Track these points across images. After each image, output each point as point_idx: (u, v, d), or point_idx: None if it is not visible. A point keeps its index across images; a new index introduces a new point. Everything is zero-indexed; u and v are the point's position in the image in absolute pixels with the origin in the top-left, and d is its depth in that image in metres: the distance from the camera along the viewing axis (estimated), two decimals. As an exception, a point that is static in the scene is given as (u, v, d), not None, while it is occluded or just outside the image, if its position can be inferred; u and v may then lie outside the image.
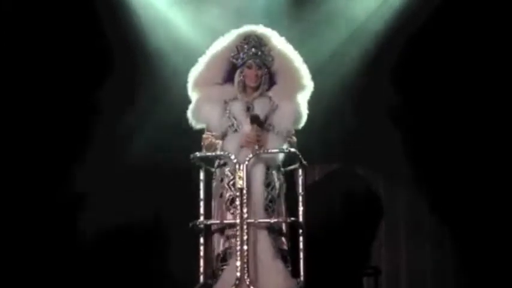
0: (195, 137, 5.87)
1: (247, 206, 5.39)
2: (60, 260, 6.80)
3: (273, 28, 5.80)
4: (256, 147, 5.47)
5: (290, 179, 5.69)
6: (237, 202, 5.42)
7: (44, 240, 6.83)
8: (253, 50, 5.67)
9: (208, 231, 5.63)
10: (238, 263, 5.32)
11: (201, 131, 5.77)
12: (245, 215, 5.37)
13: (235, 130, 5.63)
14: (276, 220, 5.47)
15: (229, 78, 5.75)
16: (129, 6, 7.01)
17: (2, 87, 6.91)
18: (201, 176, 5.66)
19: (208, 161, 5.69)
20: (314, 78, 5.77)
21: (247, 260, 5.32)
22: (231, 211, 5.52)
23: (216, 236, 5.60)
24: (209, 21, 6.90)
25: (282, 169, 5.65)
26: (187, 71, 5.86)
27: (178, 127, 6.35)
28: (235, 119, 5.64)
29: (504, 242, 6.63)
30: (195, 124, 5.76)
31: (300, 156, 5.56)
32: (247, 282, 5.29)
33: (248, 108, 5.65)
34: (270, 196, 5.53)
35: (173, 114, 6.54)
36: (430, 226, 6.92)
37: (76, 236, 6.86)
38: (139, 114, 6.95)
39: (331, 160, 7.03)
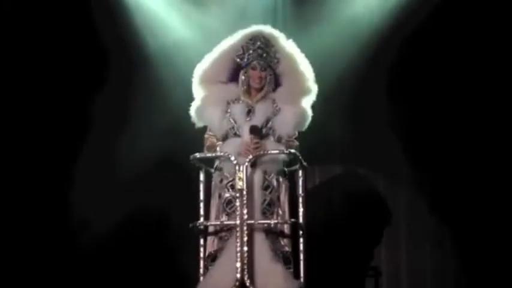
0: (194, 137, 5.87)
1: (246, 207, 5.38)
2: (61, 260, 6.80)
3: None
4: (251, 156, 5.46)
5: (290, 180, 5.68)
6: (237, 203, 5.40)
7: (44, 241, 6.84)
8: (258, 51, 5.65)
9: (207, 232, 5.62)
10: (238, 264, 5.31)
11: (202, 130, 5.77)
12: (245, 216, 5.36)
13: (235, 133, 5.63)
14: (275, 222, 5.45)
15: (233, 77, 5.73)
16: (126, 8, 7.01)
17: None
18: (201, 177, 5.66)
19: (208, 162, 5.68)
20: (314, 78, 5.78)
21: (242, 261, 5.31)
22: (226, 212, 5.52)
23: (210, 236, 5.59)
24: (209, 21, 6.90)
25: (286, 170, 5.63)
26: (186, 72, 5.85)
27: (178, 127, 6.36)
28: (236, 122, 5.63)
29: (504, 242, 6.63)
30: (197, 122, 5.75)
31: (300, 157, 5.55)
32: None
33: (249, 111, 5.64)
34: (268, 199, 5.52)
35: (173, 114, 6.55)
36: (430, 226, 6.92)
37: (76, 237, 6.86)
38: (139, 114, 6.95)
39: (331, 161, 7.03)
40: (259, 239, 5.43)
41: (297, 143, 5.67)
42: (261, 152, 5.47)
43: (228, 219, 5.48)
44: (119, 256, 6.88)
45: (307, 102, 5.70)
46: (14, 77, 6.93)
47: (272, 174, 5.55)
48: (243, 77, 5.69)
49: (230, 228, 5.47)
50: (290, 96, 5.66)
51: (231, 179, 5.52)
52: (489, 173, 6.72)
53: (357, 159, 6.95)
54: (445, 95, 6.81)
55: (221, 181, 5.60)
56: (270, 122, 5.63)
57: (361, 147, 6.83)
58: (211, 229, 5.58)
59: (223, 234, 5.52)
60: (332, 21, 6.94)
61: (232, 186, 5.50)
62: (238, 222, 5.38)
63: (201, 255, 5.61)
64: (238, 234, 5.35)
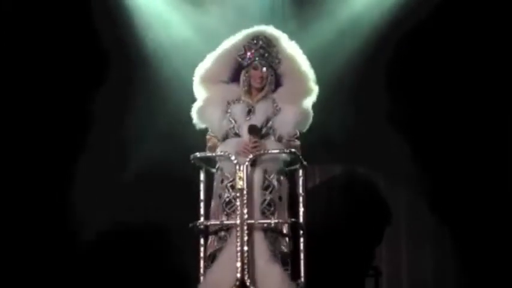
0: (194, 138, 5.87)
1: (246, 206, 5.38)
2: (61, 261, 6.80)
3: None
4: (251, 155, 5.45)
5: (290, 179, 5.68)
6: (237, 203, 5.40)
7: (45, 241, 6.84)
8: (260, 50, 5.65)
9: (208, 232, 5.61)
10: (238, 264, 5.31)
11: (203, 131, 5.77)
12: (245, 216, 5.36)
13: (236, 133, 5.63)
14: (275, 221, 5.44)
15: (235, 78, 5.74)
16: (126, 8, 7.01)
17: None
18: (201, 176, 5.65)
19: (209, 162, 5.68)
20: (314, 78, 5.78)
21: (242, 261, 5.31)
22: (225, 212, 5.52)
23: (210, 236, 5.59)
24: (208, 21, 6.90)
25: (286, 169, 5.63)
26: (186, 72, 5.85)
27: (178, 127, 6.36)
28: (235, 121, 5.63)
29: (504, 242, 6.62)
30: (199, 123, 5.75)
31: (300, 156, 5.55)
32: (237, 283, 5.28)
33: (249, 111, 5.64)
34: (268, 199, 5.51)
35: (172, 114, 6.55)
36: (430, 226, 6.91)
37: (75, 237, 6.85)
38: (139, 115, 6.95)
39: (331, 161, 7.03)
40: (258, 238, 5.42)
41: (298, 142, 5.66)
42: (261, 152, 5.47)
43: (228, 220, 5.48)
44: (118, 256, 6.88)
45: (307, 103, 5.69)
46: (13, 77, 6.92)
47: (272, 174, 5.55)
48: (244, 77, 5.69)
49: (229, 228, 5.46)
50: (291, 96, 5.66)
51: (231, 179, 5.51)
52: (489, 173, 6.71)
53: (357, 159, 6.94)
54: (446, 94, 6.81)
55: (222, 181, 5.59)
56: (271, 122, 5.63)
57: (361, 147, 6.82)
58: (210, 229, 5.58)
59: (222, 234, 5.51)
60: (331, 19, 6.94)
61: (233, 187, 5.49)
62: (238, 221, 5.38)
63: (201, 255, 5.60)
64: (238, 234, 5.35)
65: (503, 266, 6.61)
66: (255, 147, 5.47)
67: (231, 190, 5.51)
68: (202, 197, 5.61)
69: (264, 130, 5.60)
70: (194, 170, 5.68)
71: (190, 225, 5.57)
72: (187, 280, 5.89)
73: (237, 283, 5.28)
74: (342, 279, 6.77)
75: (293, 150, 5.52)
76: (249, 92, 5.70)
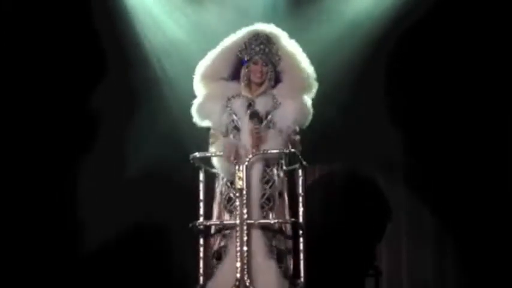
0: (194, 138, 5.87)
1: (246, 206, 5.38)
2: (62, 261, 6.80)
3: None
4: (254, 152, 5.45)
5: (290, 179, 5.68)
6: (237, 203, 5.41)
7: (45, 241, 6.84)
8: (261, 46, 5.70)
9: (207, 232, 5.62)
10: (238, 264, 5.31)
11: (203, 131, 5.77)
12: (245, 216, 5.36)
13: (235, 126, 5.63)
14: (276, 221, 5.45)
15: (235, 75, 5.77)
16: (126, 8, 7.01)
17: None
18: (201, 176, 5.65)
19: (209, 162, 5.68)
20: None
21: (242, 261, 5.31)
22: (227, 209, 5.53)
23: (215, 234, 5.60)
24: (208, 21, 6.91)
25: (284, 167, 5.64)
26: (185, 72, 5.86)
27: (178, 128, 6.36)
28: (236, 114, 5.65)
29: (504, 242, 6.62)
30: (199, 121, 5.76)
31: (300, 156, 5.55)
32: (247, 284, 5.28)
33: (250, 105, 5.66)
34: (267, 194, 5.52)
35: (173, 114, 6.55)
36: (430, 226, 6.91)
37: (76, 238, 6.85)
38: (139, 115, 6.95)
39: (331, 160, 7.02)
40: (256, 235, 5.43)
41: (298, 137, 5.68)
42: (262, 141, 5.49)
43: (230, 216, 5.49)
44: (119, 256, 6.88)
45: (307, 99, 5.73)
46: (13, 77, 6.92)
47: (273, 168, 5.56)
48: (244, 71, 5.72)
49: (233, 226, 5.47)
50: (290, 92, 5.70)
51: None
52: (490, 173, 6.71)
53: (357, 158, 6.94)
54: (446, 94, 6.81)
55: (222, 178, 5.62)
56: (270, 115, 5.64)
57: (361, 147, 6.82)
58: (214, 227, 5.58)
59: (226, 232, 5.53)
60: (331, 19, 6.95)
61: (232, 183, 5.50)
62: (238, 221, 5.37)
63: (201, 255, 5.61)
64: (238, 234, 5.35)
65: (503, 266, 6.61)
66: (257, 134, 5.48)
67: (230, 186, 5.52)
68: (202, 197, 5.62)
69: (264, 123, 5.61)
70: (194, 170, 5.68)
71: (190, 225, 5.57)
72: (187, 280, 5.88)
73: (237, 283, 5.28)
74: (342, 279, 6.77)
75: (293, 150, 5.54)
76: (248, 86, 5.72)
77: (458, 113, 6.79)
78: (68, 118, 6.97)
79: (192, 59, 5.90)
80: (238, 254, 5.32)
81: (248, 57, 5.69)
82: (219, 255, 5.52)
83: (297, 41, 5.81)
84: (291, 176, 5.68)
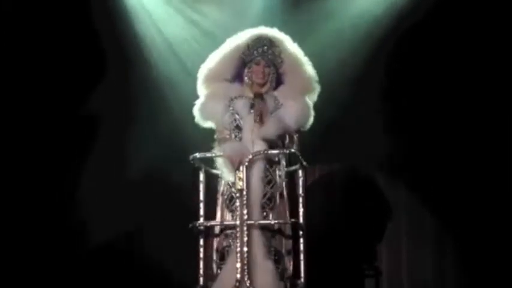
0: (192, 138, 5.87)
1: (246, 206, 5.38)
2: (62, 261, 6.80)
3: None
4: (253, 149, 5.46)
5: (290, 180, 5.68)
6: (237, 203, 5.41)
7: (45, 241, 6.85)
8: (264, 48, 5.72)
9: (207, 233, 5.62)
10: (238, 265, 5.31)
11: (203, 131, 5.77)
12: (245, 217, 5.36)
13: (237, 126, 5.64)
14: (276, 222, 5.46)
15: (238, 77, 5.79)
16: (126, 8, 7.01)
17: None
18: (201, 177, 5.65)
19: (209, 162, 5.67)
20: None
21: (242, 262, 5.31)
22: (229, 209, 5.54)
23: (218, 234, 5.61)
24: (207, 22, 6.91)
25: (284, 164, 5.63)
26: (185, 72, 5.86)
27: (178, 128, 6.36)
28: (238, 114, 5.65)
29: (504, 242, 6.62)
30: (201, 122, 5.77)
31: (300, 157, 5.55)
32: (248, 284, 5.29)
33: (252, 105, 5.66)
34: (268, 194, 5.53)
35: (173, 114, 6.55)
36: (430, 226, 6.91)
37: (77, 238, 6.86)
38: (139, 115, 6.95)
39: (331, 161, 7.03)
40: (255, 234, 5.43)
41: (297, 134, 5.69)
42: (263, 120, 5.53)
43: (232, 216, 5.50)
44: (119, 256, 6.88)
45: (309, 101, 5.75)
46: (12, 77, 6.92)
47: (275, 168, 5.56)
48: (246, 72, 5.73)
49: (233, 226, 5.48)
50: (292, 93, 5.72)
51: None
52: (490, 173, 6.71)
53: (357, 158, 6.94)
54: (446, 94, 6.81)
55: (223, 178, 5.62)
56: (273, 115, 5.64)
57: (362, 147, 6.82)
58: (217, 227, 5.59)
59: (229, 231, 5.53)
60: (330, 19, 6.95)
61: (233, 183, 5.50)
62: (238, 222, 5.38)
63: (201, 255, 5.60)
64: (238, 234, 5.35)
65: (503, 266, 6.61)
66: (260, 114, 5.53)
67: (232, 187, 5.53)
68: (202, 197, 5.61)
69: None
70: (194, 171, 5.68)
71: (190, 225, 5.57)
72: (187, 281, 5.88)
73: (237, 284, 5.28)
74: (342, 279, 6.77)
75: (293, 150, 5.54)
76: (250, 87, 5.73)
77: (458, 113, 6.79)
78: (68, 118, 6.97)
79: (192, 59, 5.90)
80: (239, 254, 5.31)
81: (250, 58, 5.71)
82: (222, 255, 5.53)
83: (297, 41, 5.81)
84: (291, 176, 5.67)
